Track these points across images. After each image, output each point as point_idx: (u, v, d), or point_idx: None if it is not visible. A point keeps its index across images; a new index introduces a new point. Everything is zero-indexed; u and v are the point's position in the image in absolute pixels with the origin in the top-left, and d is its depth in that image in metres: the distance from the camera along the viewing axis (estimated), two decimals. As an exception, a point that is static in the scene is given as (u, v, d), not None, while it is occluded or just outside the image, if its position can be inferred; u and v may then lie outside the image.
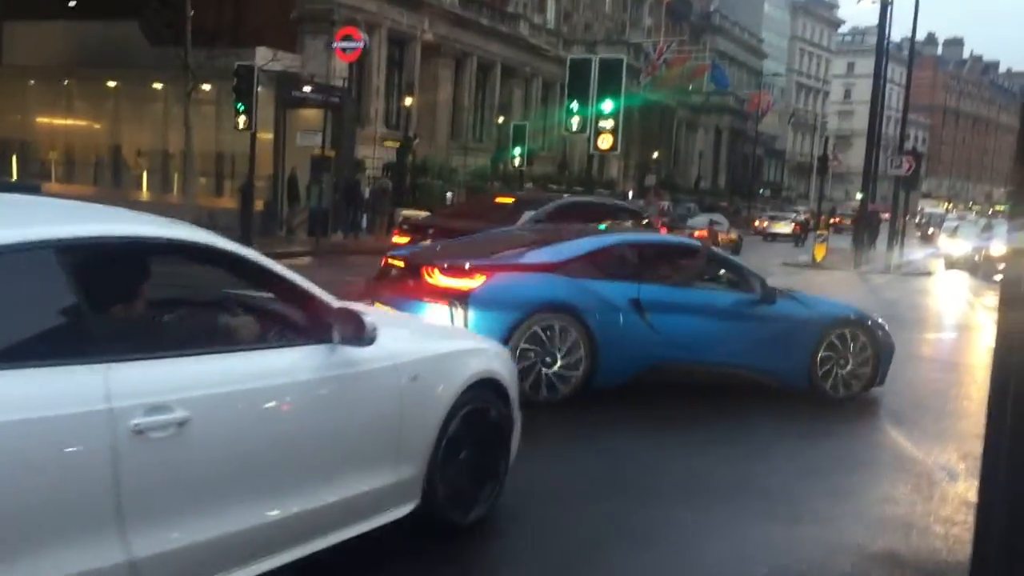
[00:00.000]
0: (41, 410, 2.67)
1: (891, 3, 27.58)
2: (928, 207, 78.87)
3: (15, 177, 28.92)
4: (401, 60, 36.75)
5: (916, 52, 36.00)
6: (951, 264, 30.39)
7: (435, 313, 6.71)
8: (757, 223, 48.71)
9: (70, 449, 2.73)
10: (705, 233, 31.23)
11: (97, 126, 32.58)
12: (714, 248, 9.52)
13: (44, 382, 2.73)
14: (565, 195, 14.95)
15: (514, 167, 32.38)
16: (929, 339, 13.88)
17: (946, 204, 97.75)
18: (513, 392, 4.71)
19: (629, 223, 12.34)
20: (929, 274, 28.08)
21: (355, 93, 32.64)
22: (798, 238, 41.85)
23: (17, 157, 31.79)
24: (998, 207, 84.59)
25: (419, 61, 37.06)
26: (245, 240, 21.74)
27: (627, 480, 5.51)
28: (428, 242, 9.87)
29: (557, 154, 45.61)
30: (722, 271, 8.24)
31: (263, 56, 24.89)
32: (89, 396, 2.78)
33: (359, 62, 32.38)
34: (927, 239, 47.65)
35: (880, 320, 8.57)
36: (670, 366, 7.46)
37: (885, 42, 30.13)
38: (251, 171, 21.97)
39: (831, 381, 7.92)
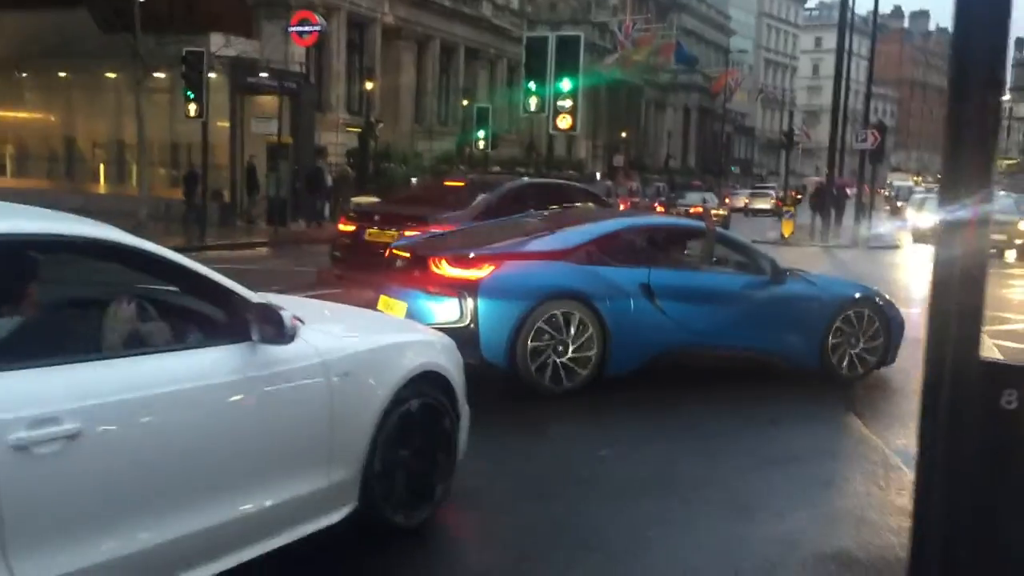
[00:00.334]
0: None
1: (853, -25, 27.39)
2: (897, 180, 79.12)
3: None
4: (362, 44, 36.09)
5: (882, 25, 35.91)
6: (919, 237, 30.30)
7: (443, 304, 6.65)
8: (728, 200, 48.96)
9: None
10: (700, 209, 31.86)
11: (52, 118, 31.80)
12: (722, 230, 9.39)
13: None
14: (524, 177, 14.57)
15: (478, 150, 31.90)
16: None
17: (915, 177, 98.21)
18: (459, 386, 4.53)
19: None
20: (897, 247, 28.00)
21: (315, 78, 32.08)
22: (780, 213, 42.42)
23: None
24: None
25: (380, 45, 36.44)
26: (199, 232, 21.32)
27: (581, 475, 5.28)
28: (420, 233, 9.63)
29: (524, 136, 45.16)
30: (731, 253, 8.15)
31: (216, 42, 24.29)
32: None
33: (319, 47, 31.85)
34: (896, 212, 47.67)
35: (889, 298, 8.46)
36: (682, 351, 7.36)
37: (849, 15, 29.97)
38: (204, 160, 21.47)
39: (843, 361, 7.82)
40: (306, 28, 27.87)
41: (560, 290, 6.87)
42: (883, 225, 35.23)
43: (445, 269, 6.89)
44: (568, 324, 6.78)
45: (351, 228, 10.63)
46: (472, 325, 6.60)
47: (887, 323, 7.98)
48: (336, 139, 32.84)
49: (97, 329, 3.35)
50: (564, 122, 17.39)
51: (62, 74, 30.56)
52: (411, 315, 6.70)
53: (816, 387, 7.72)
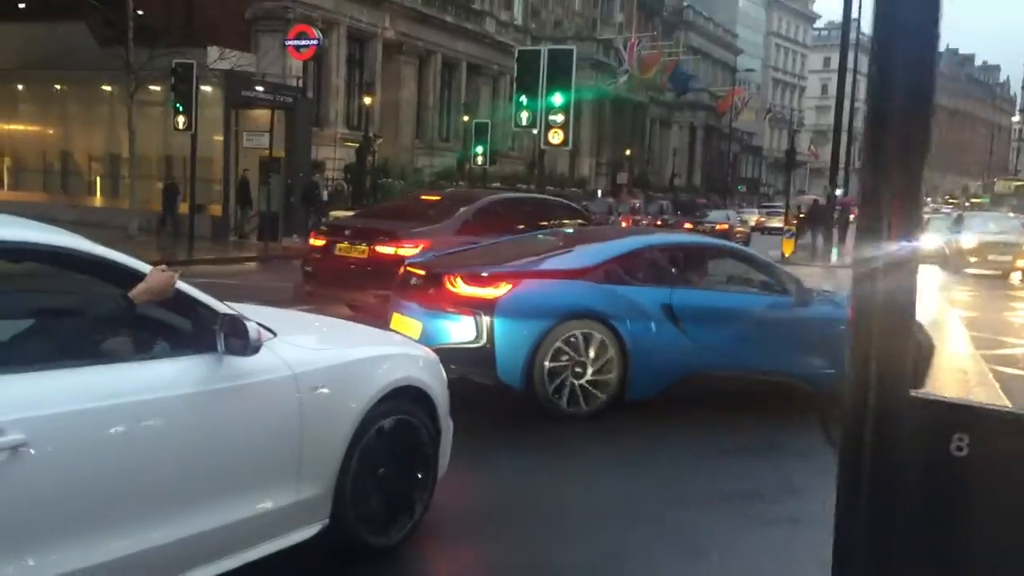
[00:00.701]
0: None
1: (857, -7, 27.06)
2: (905, 201, 78.39)
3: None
4: (362, 59, 35.93)
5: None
6: (922, 258, 29.81)
7: (459, 324, 6.51)
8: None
9: None
10: (726, 227, 32.74)
11: (48, 131, 31.67)
12: (747, 249, 9.07)
13: None
14: (509, 192, 14.25)
15: (477, 165, 31.59)
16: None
17: (925, 198, 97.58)
18: (441, 402, 4.42)
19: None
20: (899, 268, 27.50)
21: (314, 93, 31.91)
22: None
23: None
24: (974, 200, 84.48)
25: (380, 60, 36.24)
26: (187, 245, 21.03)
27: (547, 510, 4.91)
28: (392, 247, 9.40)
29: (527, 153, 44.87)
30: (755, 273, 7.87)
31: (213, 55, 24.11)
32: None
33: (318, 61, 31.70)
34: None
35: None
36: (706, 375, 7.03)
37: (854, 34, 29.66)
38: (192, 173, 21.21)
39: None
40: (303, 42, 27.73)
41: (579, 310, 6.67)
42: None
43: (460, 287, 6.71)
44: (587, 345, 6.57)
45: (321, 243, 10.26)
46: (488, 345, 6.43)
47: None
48: (334, 154, 32.63)
49: (56, 338, 3.25)
50: (556, 137, 16.99)
51: (58, 86, 30.48)
52: (426, 334, 6.53)
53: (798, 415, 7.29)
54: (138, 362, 3.29)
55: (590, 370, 6.59)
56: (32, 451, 2.70)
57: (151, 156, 27.52)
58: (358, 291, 9.41)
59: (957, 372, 8.16)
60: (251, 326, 3.31)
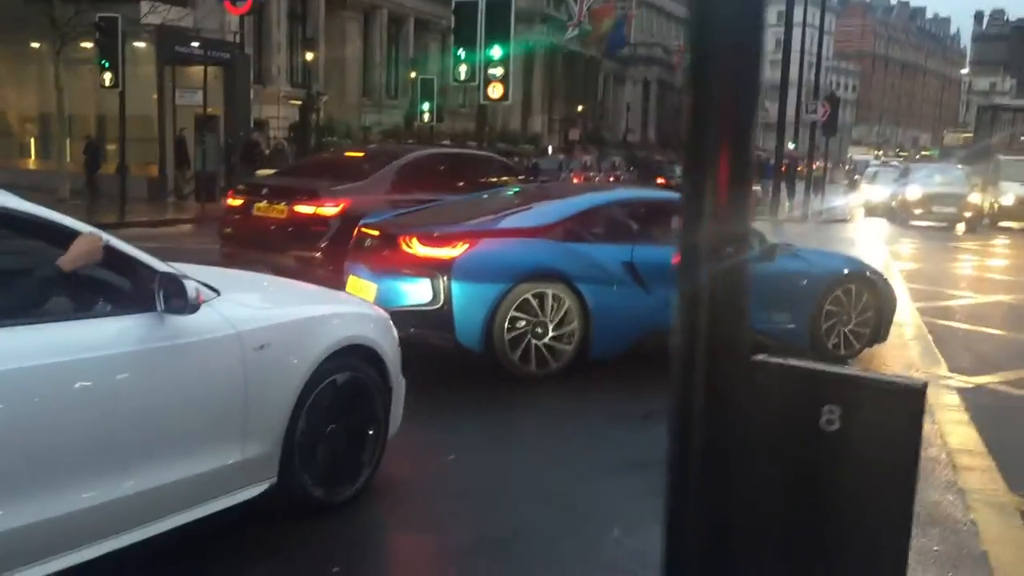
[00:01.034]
0: None
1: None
2: (857, 154, 79.15)
3: None
4: (304, 13, 35.01)
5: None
6: (871, 210, 29.96)
7: (415, 285, 6.35)
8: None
9: None
10: None
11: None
12: None
13: None
14: (435, 148, 13.88)
15: (423, 123, 31.03)
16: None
17: (876, 151, 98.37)
18: (391, 360, 4.37)
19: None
20: (847, 221, 27.59)
21: (255, 49, 31.01)
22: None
23: None
24: (925, 152, 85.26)
25: (323, 14, 35.36)
26: (120, 208, 20.33)
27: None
28: (312, 206, 8.98)
29: (477, 110, 44.32)
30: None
31: (144, 9, 23.16)
32: None
33: (259, 16, 30.76)
34: (853, 186, 47.51)
35: (880, 272, 8.14)
36: (668, 333, 6.67)
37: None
38: (122, 132, 20.43)
39: (834, 339, 7.50)
40: (240, -5, 26.78)
41: (539, 269, 6.50)
42: (838, 199, 34.87)
43: (416, 248, 6.50)
44: (548, 305, 6.42)
45: (239, 203, 9.75)
46: (446, 307, 6.26)
47: (878, 298, 7.66)
48: (279, 112, 31.90)
49: None
50: (495, 91, 16.54)
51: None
52: (381, 297, 6.34)
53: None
54: (76, 321, 3.23)
55: (551, 330, 6.45)
56: None
57: (88, 116, 26.60)
58: (278, 253, 8.98)
59: (893, 326, 8.00)
60: (190, 284, 3.27)
